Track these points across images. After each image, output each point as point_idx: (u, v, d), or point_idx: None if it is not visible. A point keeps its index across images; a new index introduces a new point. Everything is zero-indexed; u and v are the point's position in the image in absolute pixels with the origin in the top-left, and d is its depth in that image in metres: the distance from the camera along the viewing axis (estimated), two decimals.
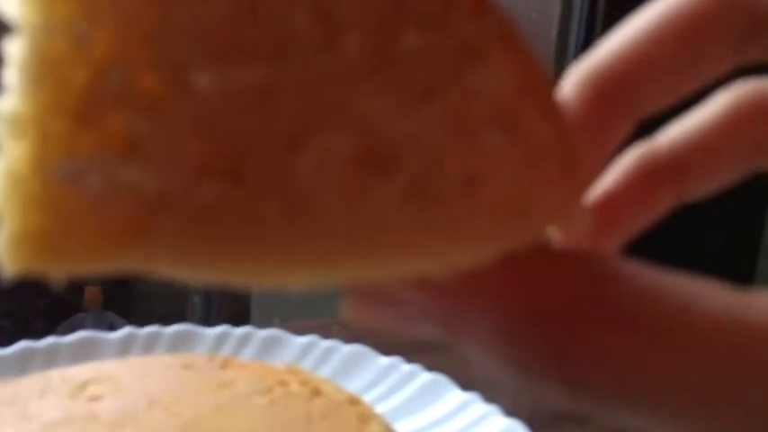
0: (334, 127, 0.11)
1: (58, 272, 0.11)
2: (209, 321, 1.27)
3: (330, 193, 0.11)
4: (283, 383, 0.31)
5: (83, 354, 0.39)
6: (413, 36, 0.12)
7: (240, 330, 0.41)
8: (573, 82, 0.17)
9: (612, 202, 0.19)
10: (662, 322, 0.11)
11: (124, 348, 0.40)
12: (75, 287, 1.35)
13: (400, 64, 0.11)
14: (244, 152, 0.10)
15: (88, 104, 0.10)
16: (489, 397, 0.37)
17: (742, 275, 1.09)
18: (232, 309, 1.32)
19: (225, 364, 0.33)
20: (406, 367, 0.38)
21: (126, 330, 0.41)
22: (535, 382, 0.12)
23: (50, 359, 0.38)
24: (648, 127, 0.19)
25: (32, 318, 1.28)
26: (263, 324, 0.46)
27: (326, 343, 0.40)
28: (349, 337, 0.49)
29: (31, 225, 0.10)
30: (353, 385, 0.37)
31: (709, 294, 0.12)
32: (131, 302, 1.43)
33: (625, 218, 0.19)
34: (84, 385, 0.31)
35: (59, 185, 0.10)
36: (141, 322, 1.31)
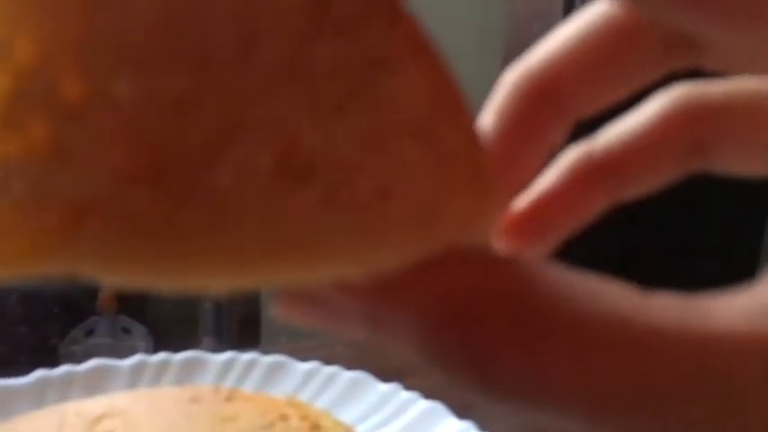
0: (251, 137, 0.11)
1: None
2: (219, 326, 1.30)
3: (248, 201, 0.11)
4: (284, 417, 0.33)
5: (96, 382, 0.41)
6: (327, 47, 0.12)
7: (246, 357, 0.43)
8: (506, 84, 0.18)
9: (548, 201, 0.19)
10: (573, 323, 0.12)
11: (136, 376, 0.42)
12: (90, 291, 1.37)
13: (314, 75, 0.12)
14: (165, 160, 0.11)
15: (11, 110, 0.10)
16: (484, 424, 0.39)
17: (743, 278, 1.09)
18: (242, 313, 1.34)
19: (230, 397, 0.35)
20: (404, 394, 0.40)
21: (137, 358, 0.43)
22: (452, 378, 0.12)
23: (66, 388, 0.40)
24: (590, 129, 0.20)
25: (47, 322, 1.30)
26: (272, 329, 0.47)
27: (328, 370, 0.42)
28: (352, 356, 0.51)
29: None
30: (352, 412, 0.39)
31: (616, 294, 0.12)
32: (144, 306, 1.45)
33: (560, 217, 0.19)
34: (97, 420, 0.33)
35: None
36: (154, 325, 1.32)
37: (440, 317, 0.12)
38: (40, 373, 0.42)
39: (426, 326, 0.12)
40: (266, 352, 0.46)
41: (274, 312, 0.14)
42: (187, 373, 0.43)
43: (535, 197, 0.19)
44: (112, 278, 0.11)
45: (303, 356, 0.46)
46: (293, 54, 0.11)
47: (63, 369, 0.42)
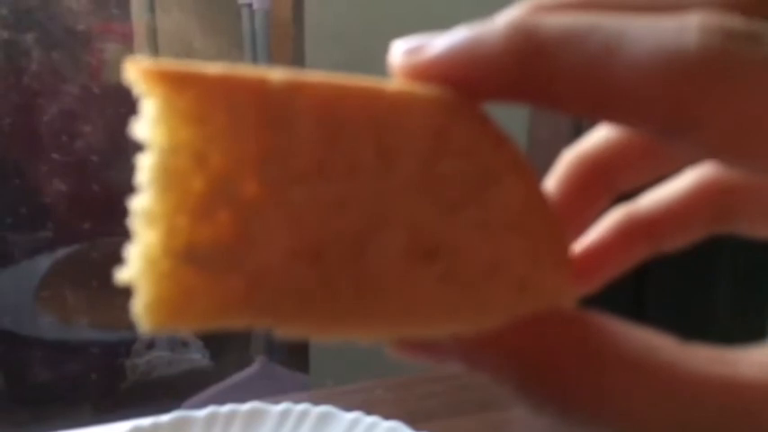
0: (388, 228, 0.14)
1: (182, 329, 0.13)
2: (270, 344, 1.37)
3: (387, 275, 0.14)
4: None
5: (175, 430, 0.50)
6: (448, 162, 0.15)
7: (299, 407, 0.52)
8: (564, 164, 0.21)
9: (597, 251, 0.22)
10: (631, 367, 0.14)
11: (210, 424, 0.50)
12: None
13: (438, 184, 0.14)
14: (323, 245, 0.13)
15: (203, 206, 0.13)
16: None
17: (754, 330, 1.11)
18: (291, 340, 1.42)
19: None
20: None
21: (210, 409, 0.51)
22: (536, 408, 0.15)
23: None
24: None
25: (116, 342, 1.39)
26: (319, 350, 0.51)
27: (368, 420, 0.50)
28: (390, 398, 0.59)
29: (161, 295, 0.13)
30: None
31: (665, 344, 0.15)
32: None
33: (606, 266, 0.22)
34: None
35: (183, 265, 0.13)
36: (210, 339, 1.38)
37: (529, 362, 0.15)
38: (132, 424, 0.50)
39: (517, 369, 0.15)
40: (315, 382, 0.54)
41: (388, 352, 0.16)
42: (252, 420, 0.51)
43: (586, 248, 0.22)
44: (280, 331, 0.13)
45: (347, 398, 0.54)
46: (422, 167, 0.14)
47: (149, 420, 0.51)
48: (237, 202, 0.13)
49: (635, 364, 0.14)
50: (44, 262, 1.32)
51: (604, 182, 0.21)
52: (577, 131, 0.99)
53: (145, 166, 0.13)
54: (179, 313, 0.13)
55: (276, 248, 0.13)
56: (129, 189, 0.14)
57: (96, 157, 1.31)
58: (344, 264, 0.13)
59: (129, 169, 0.14)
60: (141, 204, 0.13)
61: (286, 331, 0.13)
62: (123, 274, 0.13)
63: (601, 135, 0.21)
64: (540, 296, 0.15)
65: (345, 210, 0.14)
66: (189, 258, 0.13)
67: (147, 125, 0.13)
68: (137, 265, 0.13)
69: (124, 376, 1.38)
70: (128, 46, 1.40)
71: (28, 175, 1.30)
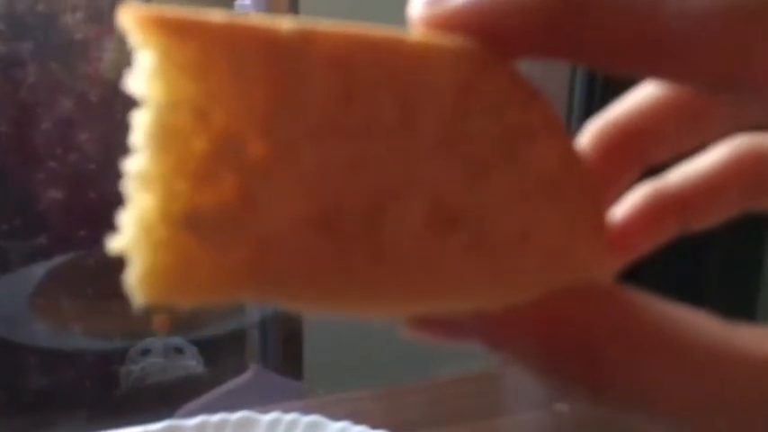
0: (410, 193, 0.13)
1: (181, 303, 0.12)
2: (264, 349, 1.38)
3: (406, 245, 0.13)
4: None
5: None
6: (475, 123, 0.13)
7: (288, 417, 0.52)
8: (591, 134, 0.20)
9: (626, 228, 0.21)
10: (672, 345, 0.14)
11: None
12: (145, 313, 1.47)
13: (465, 145, 0.13)
14: (337, 210, 0.12)
15: (206, 168, 0.12)
16: None
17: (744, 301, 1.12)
18: (285, 333, 1.43)
19: None
20: None
21: (200, 418, 0.52)
22: (565, 390, 0.14)
23: None
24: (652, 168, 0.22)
25: (110, 350, 1.40)
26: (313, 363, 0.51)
27: (356, 429, 0.51)
28: (379, 407, 0.60)
29: (158, 265, 0.12)
30: None
31: (705, 322, 0.14)
32: (196, 327, 1.55)
33: (634, 243, 0.21)
34: None
35: (183, 233, 0.12)
36: (205, 345, 1.39)
37: (559, 340, 0.14)
38: None
39: (546, 348, 0.14)
40: (308, 389, 0.54)
41: (403, 333, 0.15)
42: (242, 430, 0.52)
43: (614, 225, 0.21)
44: (288, 304, 0.12)
45: (337, 407, 0.55)
46: (446, 127, 0.13)
47: (138, 429, 0.52)
48: (243, 164, 0.12)
49: (675, 344, 0.14)
50: (39, 270, 1.33)
51: (634, 152, 0.20)
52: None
53: (141, 125, 0.12)
54: (177, 285, 0.12)
55: (285, 215, 0.12)
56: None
57: (93, 165, 1.32)
58: (360, 232, 0.12)
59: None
60: (136, 166, 0.12)
61: (294, 306, 0.13)
62: (116, 243, 0.12)
63: (630, 102, 0.19)
64: (573, 268, 0.14)
65: (362, 173, 0.12)
66: (189, 225, 0.12)
67: (143, 79, 0.12)
68: (131, 232, 0.12)
69: (118, 383, 1.39)
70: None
71: (24, 183, 1.31)
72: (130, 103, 0.13)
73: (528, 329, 0.14)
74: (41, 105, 1.27)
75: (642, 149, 0.20)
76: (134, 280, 0.12)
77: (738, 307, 1.11)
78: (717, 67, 0.13)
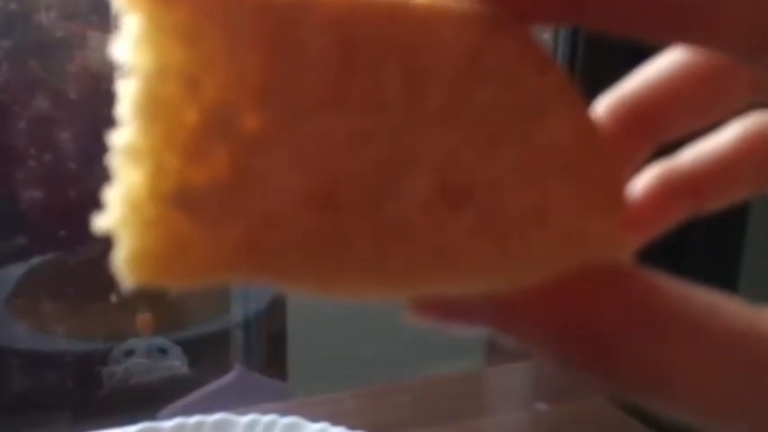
0: (414, 168, 0.12)
1: (171, 285, 0.11)
2: (248, 350, 1.37)
3: (410, 223, 0.12)
4: None
5: None
6: (485, 92, 0.13)
7: (266, 418, 0.52)
8: (603, 108, 0.19)
9: (635, 211, 0.20)
10: (695, 329, 0.13)
11: None
12: (128, 313, 1.47)
13: (474, 116, 0.12)
14: (337, 187, 0.12)
15: (198, 140, 0.11)
16: None
17: (727, 274, 1.13)
18: (269, 333, 1.43)
19: None
20: None
21: (177, 420, 0.52)
22: (577, 374, 0.13)
23: None
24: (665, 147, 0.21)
25: (92, 351, 1.39)
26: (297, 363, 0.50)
27: (334, 430, 0.51)
28: (359, 408, 0.60)
29: (147, 245, 0.11)
30: None
31: (730, 305, 0.13)
32: (180, 328, 1.54)
33: (646, 225, 0.20)
34: None
35: (173, 211, 0.11)
36: (189, 346, 1.39)
37: (572, 324, 0.13)
38: None
39: (559, 332, 0.13)
40: (292, 390, 0.54)
41: (407, 318, 0.14)
42: (219, 430, 0.51)
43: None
44: (284, 286, 0.12)
45: (316, 409, 0.54)
46: (454, 98, 0.12)
47: None
48: (237, 138, 0.11)
49: (699, 328, 0.13)
50: (18, 270, 1.31)
51: (648, 127, 0.19)
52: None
53: (127, 95, 0.11)
54: (168, 267, 0.11)
55: (282, 192, 0.11)
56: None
57: (73, 164, 1.31)
58: (361, 210, 0.12)
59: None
60: (123, 139, 0.11)
61: (291, 287, 0.12)
62: (102, 221, 0.11)
63: (644, 76, 0.18)
64: (589, 248, 0.14)
65: (364, 147, 0.12)
66: (179, 203, 0.11)
67: (129, 45, 0.11)
68: (118, 210, 0.11)
69: (102, 384, 1.38)
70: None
71: (2, 183, 1.29)
72: (111, 101, 0.12)
73: (540, 312, 0.13)
74: (19, 104, 1.26)
75: (656, 125, 0.19)
76: (122, 261, 0.11)
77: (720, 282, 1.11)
78: (751, 36, 0.12)
